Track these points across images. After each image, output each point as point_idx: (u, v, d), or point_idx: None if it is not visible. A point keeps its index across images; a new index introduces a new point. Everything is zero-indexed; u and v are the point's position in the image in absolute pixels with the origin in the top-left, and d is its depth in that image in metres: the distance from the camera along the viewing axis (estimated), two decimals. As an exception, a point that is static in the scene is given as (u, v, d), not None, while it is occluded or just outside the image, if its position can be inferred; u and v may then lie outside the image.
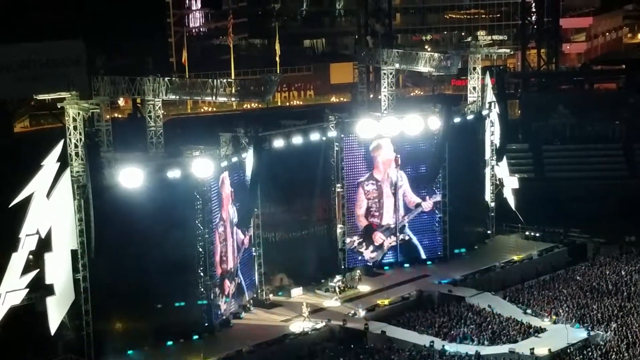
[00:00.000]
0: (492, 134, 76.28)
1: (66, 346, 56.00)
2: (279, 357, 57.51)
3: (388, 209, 71.35)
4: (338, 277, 67.03)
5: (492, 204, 77.21)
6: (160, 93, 62.24)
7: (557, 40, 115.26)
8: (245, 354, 56.94)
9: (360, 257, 70.94)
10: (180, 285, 59.46)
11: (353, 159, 70.13)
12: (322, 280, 67.76)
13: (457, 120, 72.64)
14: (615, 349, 54.49)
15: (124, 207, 56.22)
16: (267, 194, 64.88)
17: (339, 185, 69.68)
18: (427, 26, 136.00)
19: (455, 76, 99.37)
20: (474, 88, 75.60)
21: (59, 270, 54.83)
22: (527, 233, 76.53)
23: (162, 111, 64.32)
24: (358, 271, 68.77)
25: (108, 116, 64.67)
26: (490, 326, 59.17)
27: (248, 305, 64.18)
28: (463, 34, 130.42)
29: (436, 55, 73.87)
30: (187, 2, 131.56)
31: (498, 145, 76.21)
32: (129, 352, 57.16)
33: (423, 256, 72.30)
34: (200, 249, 59.70)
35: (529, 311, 61.41)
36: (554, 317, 60.11)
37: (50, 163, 53.94)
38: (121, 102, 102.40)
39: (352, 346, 58.00)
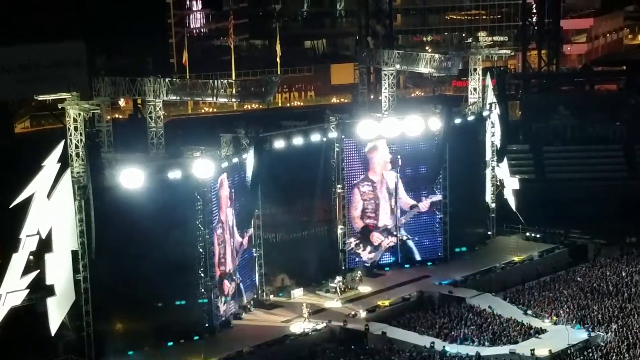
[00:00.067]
0: (493, 135, 76.21)
1: (67, 347, 55.97)
2: (279, 358, 57.46)
3: (384, 210, 71.23)
4: (339, 278, 66.99)
5: (493, 205, 77.15)
6: (160, 94, 62.20)
7: (557, 41, 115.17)
8: (245, 355, 56.87)
9: (357, 259, 70.84)
10: (180, 286, 59.44)
11: (354, 160, 70.10)
12: (323, 281, 67.71)
13: (457, 121, 72.62)
14: (615, 350, 54.42)
15: (125, 207, 56.19)
16: (268, 195, 64.86)
17: (339, 186, 69.67)
18: (427, 27, 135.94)
19: (455, 77, 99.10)
20: (475, 89, 75.57)
21: (59, 271, 54.82)
22: (527, 234, 76.39)
23: (163, 112, 64.25)
24: (359, 272, 68.73)
25: (109, 117, 64.59)
26: (490, 327, 59.13)
27: (248, 306, 64.12)
28: (464, 35, 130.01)
29: (437, 56, 73.78)
30: (187, 2, 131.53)
31: (499, 146, 76.16)
32: (130, 352, 57.05)
33: (418, 258, 72.21)
34: (201, 250, 59.65)
35: (529, 312, 61.38)
36: (554, 318, 60.06)
37: (51, 164, 53.96)
38: (122, 102, 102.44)
39: (352, 347, 57.90)
